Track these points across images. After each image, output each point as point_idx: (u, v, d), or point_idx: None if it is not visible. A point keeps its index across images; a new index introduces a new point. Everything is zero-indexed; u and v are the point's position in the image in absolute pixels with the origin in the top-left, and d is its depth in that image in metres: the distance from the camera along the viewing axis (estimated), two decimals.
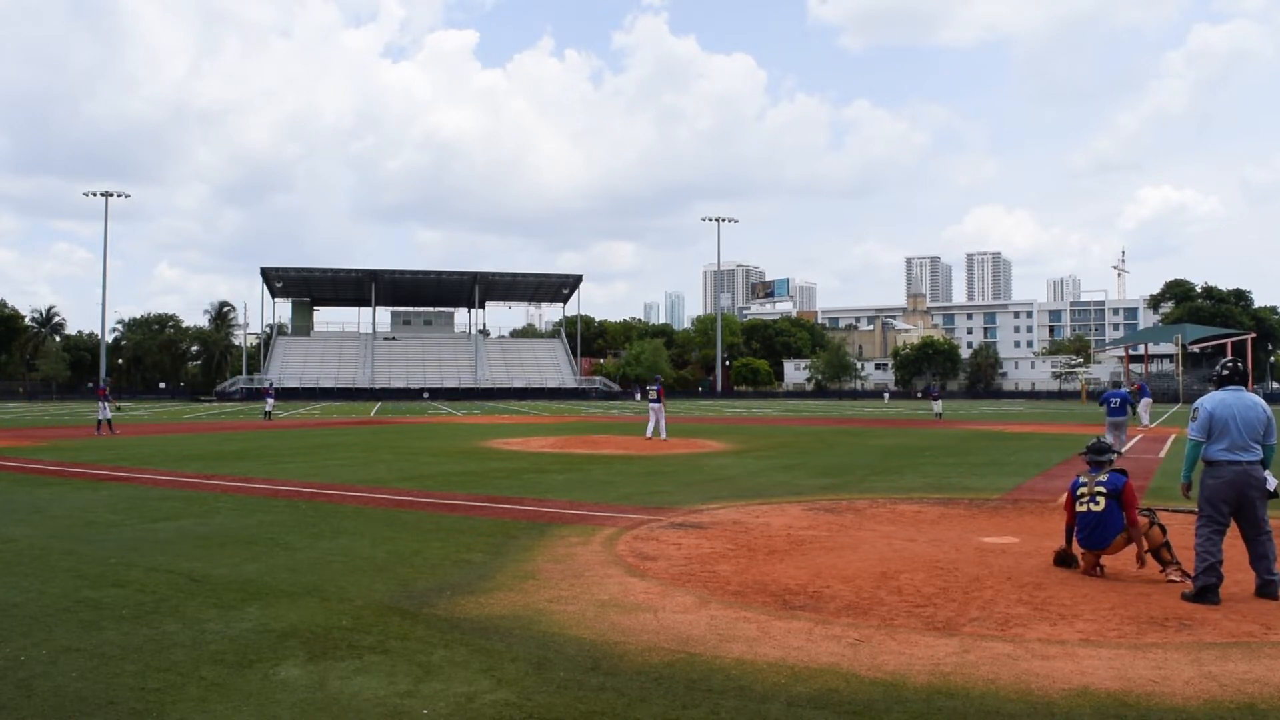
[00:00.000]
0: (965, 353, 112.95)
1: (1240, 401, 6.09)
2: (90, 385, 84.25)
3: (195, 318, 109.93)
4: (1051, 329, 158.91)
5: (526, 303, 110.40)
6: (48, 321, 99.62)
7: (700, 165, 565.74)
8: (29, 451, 19.85)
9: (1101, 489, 6.71)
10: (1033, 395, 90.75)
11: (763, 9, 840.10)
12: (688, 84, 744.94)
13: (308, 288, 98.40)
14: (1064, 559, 6.97)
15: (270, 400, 42.88)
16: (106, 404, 27.44)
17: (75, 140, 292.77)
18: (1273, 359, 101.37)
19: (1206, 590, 5.91)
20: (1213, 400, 6.15)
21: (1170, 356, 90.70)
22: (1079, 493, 6.85)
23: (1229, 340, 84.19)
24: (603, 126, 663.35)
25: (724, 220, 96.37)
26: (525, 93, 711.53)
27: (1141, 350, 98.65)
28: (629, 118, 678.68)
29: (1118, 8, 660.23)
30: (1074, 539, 6.89)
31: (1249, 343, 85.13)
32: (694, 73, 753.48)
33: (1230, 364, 6.32)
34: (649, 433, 23.14)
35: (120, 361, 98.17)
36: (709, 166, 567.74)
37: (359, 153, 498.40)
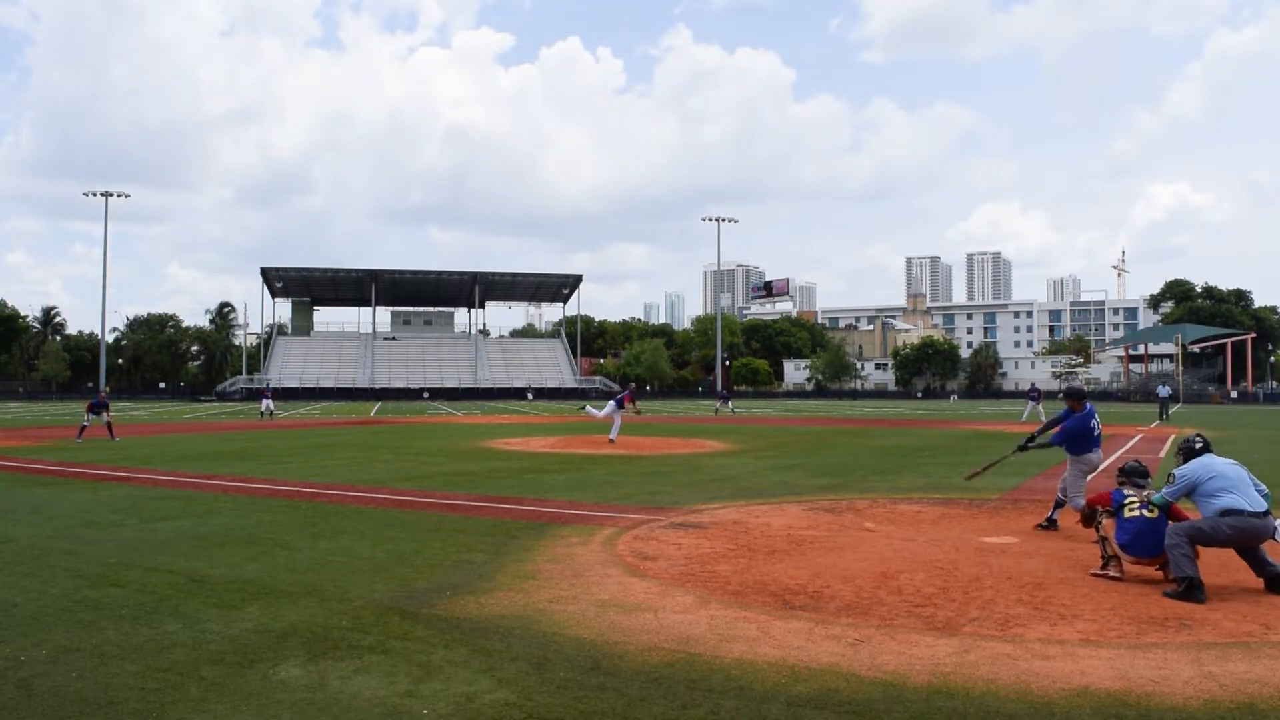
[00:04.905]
0: (965, 353, 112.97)
1: (1222, 461, 6.52)
2: (90, 385, 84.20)
3: (200, 318, 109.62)
4: (1051, 329, 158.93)
5: (526, 303, 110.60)
6: (48, 321, 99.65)
7: (719, 169, 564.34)
8: (29, 451, 19.84)
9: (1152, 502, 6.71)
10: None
11: (790, 17, 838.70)
12: (710, 88, 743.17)
13: (308, 288, 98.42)
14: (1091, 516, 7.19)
15: (266, 401, 42.14)
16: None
17: (101, 143, 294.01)
18: (1273, 359, 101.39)
19: (1194, 588, 5.99)
20: (1196, 464, 6.54)
21: (1170, 356, 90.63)
22: (1128, 503, 6.72)
23: (1229, 340, 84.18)
24: (623, 129, 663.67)
25: (724, 220, 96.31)
26: (547, 96, 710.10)
27: (1141, 350, 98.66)
28: (649, 121, 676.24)
29: (1134, 15, 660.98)
30: (1115, 542, 6.73)
31: (1249, 343, 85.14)
32: (716, 77, 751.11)
33: (1200, 438, 6.82)
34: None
35: (120, 361, 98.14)
36: (727, 170, 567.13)
37: (379, 156, 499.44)
